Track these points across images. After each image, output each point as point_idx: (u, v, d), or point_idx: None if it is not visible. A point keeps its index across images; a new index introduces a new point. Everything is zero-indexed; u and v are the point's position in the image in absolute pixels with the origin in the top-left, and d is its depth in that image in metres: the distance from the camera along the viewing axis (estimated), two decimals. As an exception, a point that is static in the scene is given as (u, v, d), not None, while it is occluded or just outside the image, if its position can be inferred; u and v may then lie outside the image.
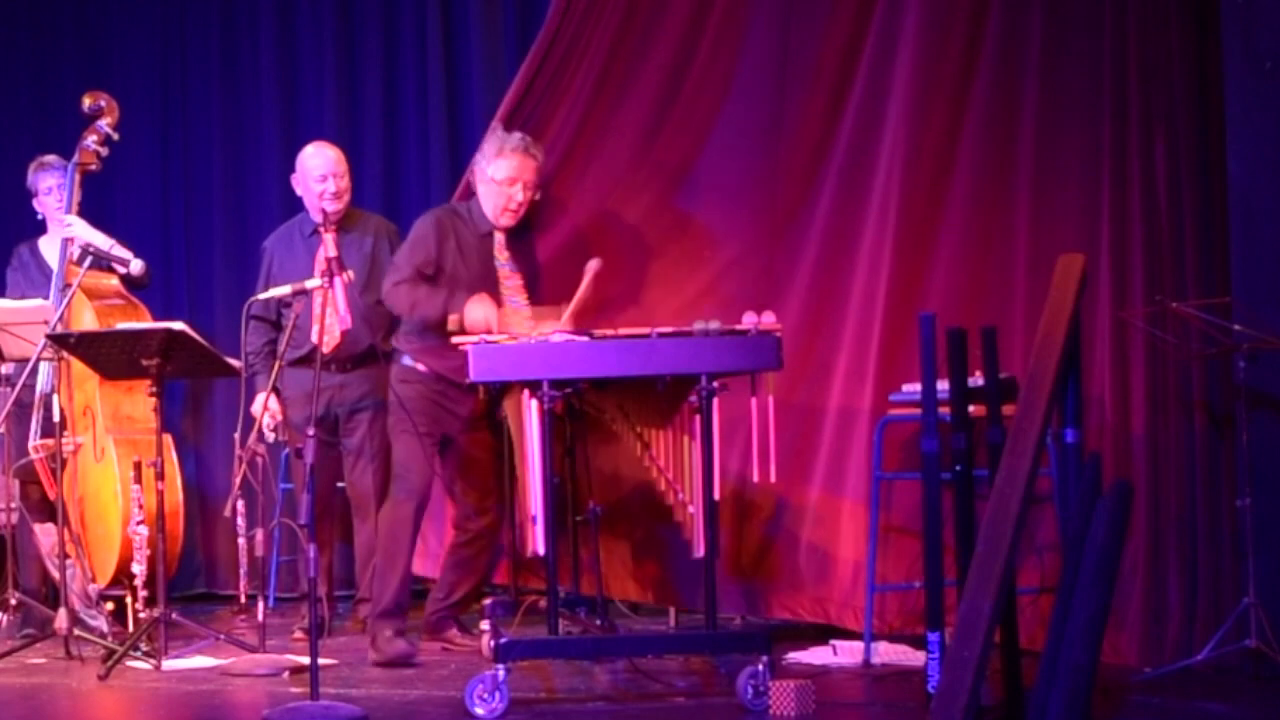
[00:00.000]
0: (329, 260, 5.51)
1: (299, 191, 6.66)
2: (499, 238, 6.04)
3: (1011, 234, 5.88)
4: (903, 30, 5.99)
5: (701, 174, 6.36)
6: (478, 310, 5.75)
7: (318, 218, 6.46)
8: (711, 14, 6.31)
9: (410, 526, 5.99)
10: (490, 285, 5.94)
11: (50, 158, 7.07)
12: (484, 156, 6.03)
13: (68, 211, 6.90)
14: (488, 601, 5.93)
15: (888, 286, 5.97)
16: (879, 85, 6.04)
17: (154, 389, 6.11)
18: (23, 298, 6.89)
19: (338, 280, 5.29)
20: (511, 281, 6.04)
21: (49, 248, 7.04)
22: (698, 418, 5.18)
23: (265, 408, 6.32)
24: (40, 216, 7.12)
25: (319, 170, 6.56)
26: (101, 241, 6.88)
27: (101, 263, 6.69)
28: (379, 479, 6.43)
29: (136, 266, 6.81)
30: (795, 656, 5.77)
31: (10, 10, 8.53)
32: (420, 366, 5.99)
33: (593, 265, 5.90)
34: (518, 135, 6.07)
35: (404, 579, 5.99)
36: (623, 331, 5.34)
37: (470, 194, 6.17)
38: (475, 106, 7.81)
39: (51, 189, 7.01)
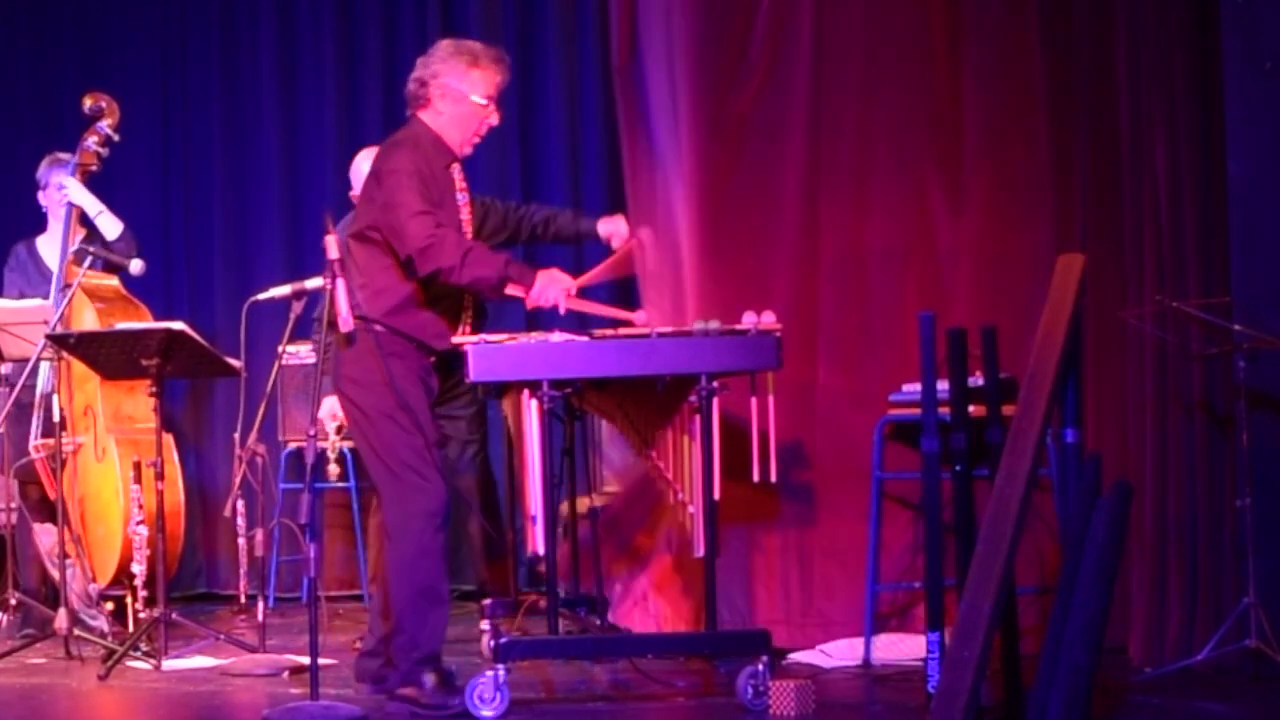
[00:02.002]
0: (331, 262, 5.47)
1: None
2: (457, 167, 5.27)
3: (1012, 233, 5.88)
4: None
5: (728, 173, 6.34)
6: (551, 290, 5.12)
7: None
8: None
9: (440, 545, 5.08)
10: (459, 228, 5.22)
11: (65, 155, 7.05)
12: (450, 71, 5.15)
13: (67, 221, 6.88)
14: (488, 601, 5.94)
15: (888, 285, 5.97)
16: (886, 89, 6.04)
17: (154, 389, 6.11)
18: (20, 297, 6.89)
19: (339, 281, 5.25)
20: (466, 216, 5.33)
21: (47, 247, 7.04)
22: (698, 418, 5.18)
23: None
24: (44, 209, 7.12)
25: None
26: (91, 206, 6.87)
27: (100, 263, 6.69)
28: (480, 472, 6.30)
29: (136, 266, 6.80)
30: (795, 656, 5.77)
31: (10, 10, 8.54)
32: (411, 335, 5.13)
33: (643, 235, 5.81)
34: (486, 46, 5.29)
35: (444, 611, 5.12)
36: (623, 331, 5.34)
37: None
38: (475, 106, 7.81)
39: (61, 185, 7.00)
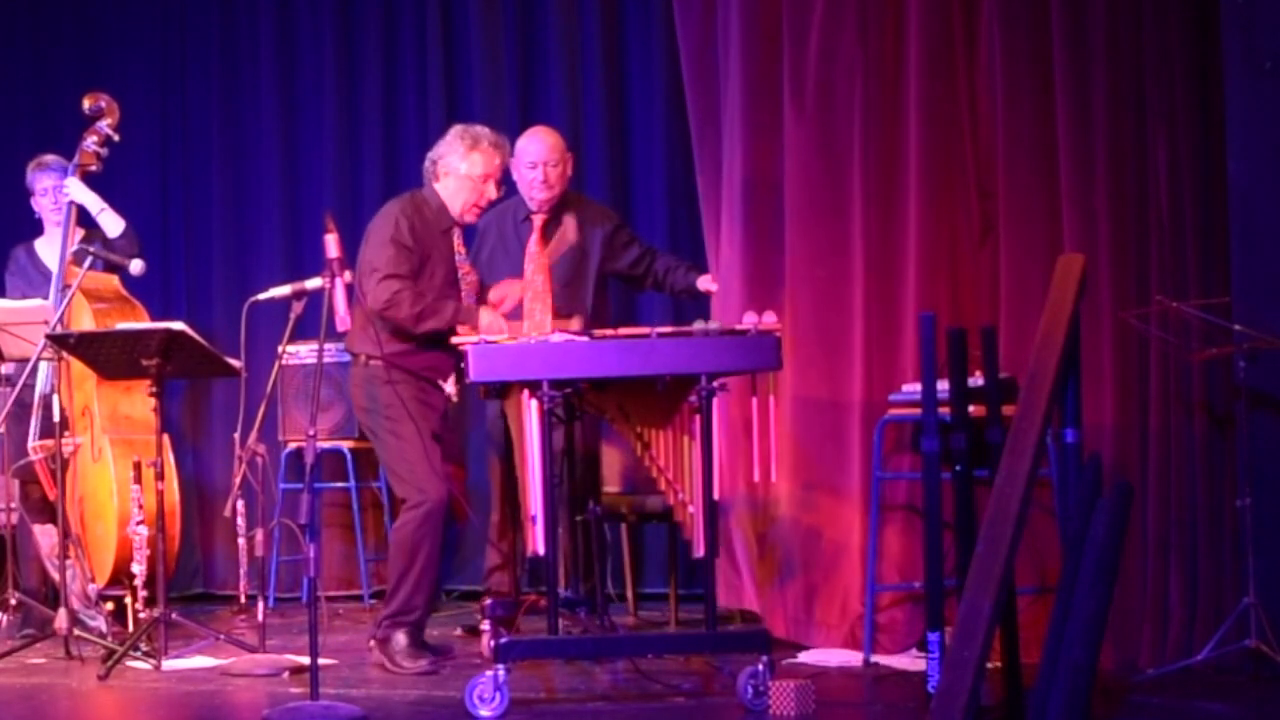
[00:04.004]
0: (331, 261, 5.48)
1: (514, 176, 6.44)
2: (457, 232, 5.98)
3: (1012, 233, 5.88)
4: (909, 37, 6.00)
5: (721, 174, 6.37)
6: (494, 322, 5.76)
7: (531, 205, 6.43)
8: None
9: (437, 534, 5.76)
10: (454, 284, 5.92)
11: (49, 157, 7.04)
12: (453, 151, 5.93)
13: (66, 221, 6.87)
14: (488, 601, 5.94)
15: (888, 286, 5.96)
16: (894, 92, 6.04)
17: (154, 389, 6.11)
18: (21, 299, 6.88)
19: (338, 281, 5.28)
20: (469, 278, 6.01)
21: (46, 249, 7.03)
22: (698, 418, 5.18)
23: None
24: (37, 216, 7.11)
25: (529, 157, 6.39)
26: (93, 204, 6.86)
27: (100, 264, 6.68)
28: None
29: (136, 267, 6.79)
30: (795, 657, 5.77)
31: (10, 10, 8.53)
32: (409, 368, 5.81)
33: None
34: (488, 130, 6.02)
35: (431, 588, 5.86)
36: (623, 331, 5.35)
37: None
38: (475, 106, 7.81)
39: (48, 190, 6.99)
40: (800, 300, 6.12)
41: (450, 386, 5.98)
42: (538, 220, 6.40)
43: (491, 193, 5.97)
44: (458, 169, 5.92)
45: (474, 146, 5.93)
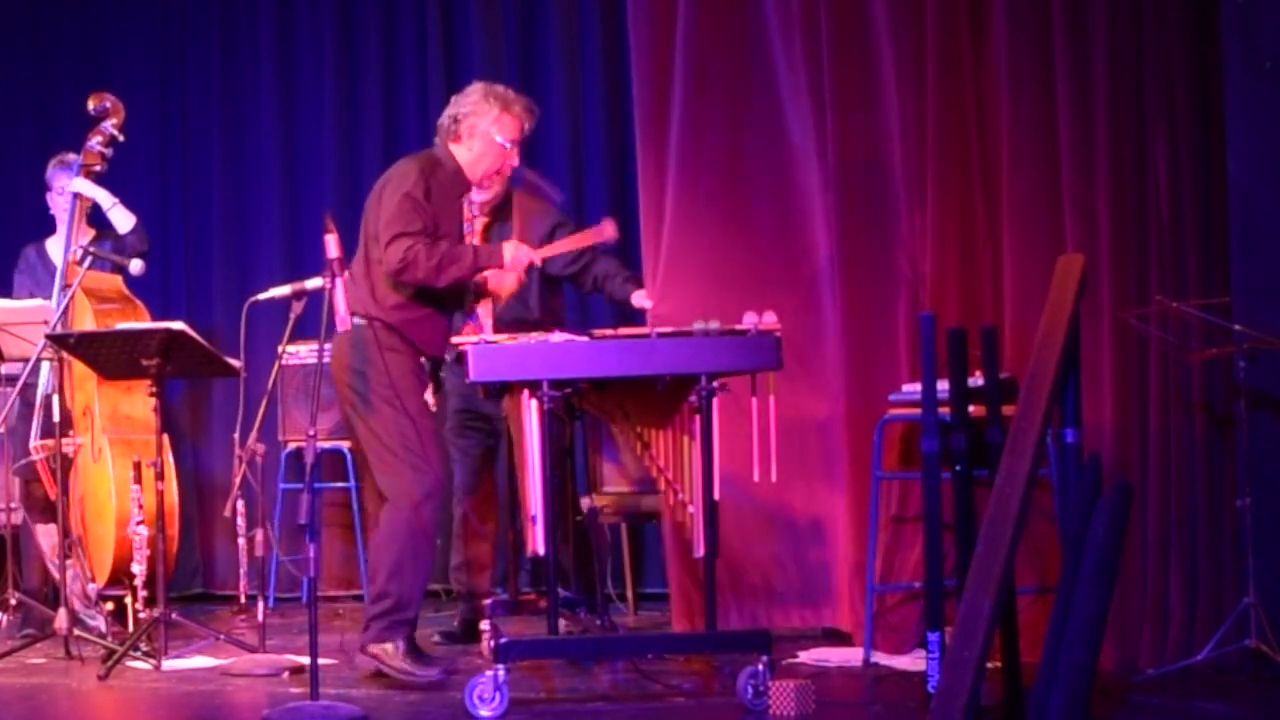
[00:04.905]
0: (330, 261, 5.47)
1: None
2: (467, 198, 5.78)
3: (1013, 233, 5.88)
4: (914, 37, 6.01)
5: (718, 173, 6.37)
6: (518, 254, 5.58)
7: (479, 195, 6.31)
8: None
9: (438, 516, 5.54)
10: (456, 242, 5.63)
11: (71, 156, 7.01)
12: (481, 112, 5.59)
13: (71, 219, 6.88)
14: (488, 601, 5.94)
15: (922, 287, 5.96)
16: (887, 95, 6.04)
17: (154, 389, 6.11)
18: (30, 298, 6.89)
19: (338, 281, 5.27)
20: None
21: (55, 248, 7.03)
22: (698, 418, 5.18)
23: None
24: (51, 212, 7.11)
25: None
26: (104, 199, 6.87)
27: (102, 264, 6.69)
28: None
29: (136, 267, 6.79)
30: (795, 656, 5.77)
31: (10, 10, 8.54)
32: (407, 335, 5.51)
33: (608, 230, 5.96)
34: (513, 91, 5.71)
35: (423, 585, 5.53)
36: (623, 331, 5.35)
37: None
38: (475, 106, 7.81)
39: (64, 189, 6.99)
40: (848, 301, 6.08)
41: (428, 396, 5.94)
42: (479, 225, 6.33)
43: (514, 161, 5.71)
44: (487, 132, 5.58)
45: (506, 108, 5.59)
